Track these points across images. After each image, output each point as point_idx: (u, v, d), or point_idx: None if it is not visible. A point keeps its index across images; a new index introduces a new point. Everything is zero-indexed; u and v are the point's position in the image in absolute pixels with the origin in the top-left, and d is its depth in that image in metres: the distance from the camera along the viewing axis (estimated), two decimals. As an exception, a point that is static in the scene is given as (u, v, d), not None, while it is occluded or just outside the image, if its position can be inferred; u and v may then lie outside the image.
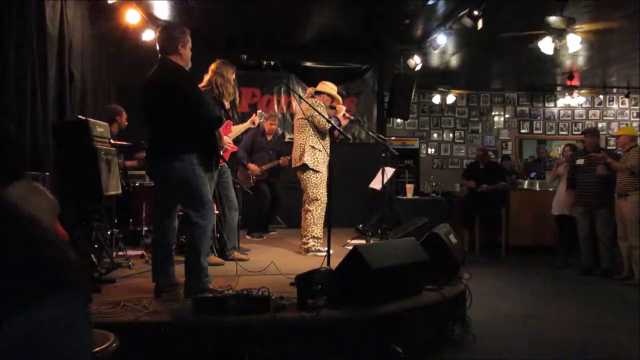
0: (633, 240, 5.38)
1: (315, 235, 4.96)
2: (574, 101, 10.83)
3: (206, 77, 4.14)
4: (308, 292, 3.01)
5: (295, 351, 2.89)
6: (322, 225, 4.96)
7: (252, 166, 6.19)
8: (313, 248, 4.94)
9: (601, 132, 10.81)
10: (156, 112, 3.26)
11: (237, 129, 4.82)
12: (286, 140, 7.60)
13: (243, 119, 5.13)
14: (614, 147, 10.78)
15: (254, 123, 4.93)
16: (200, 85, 3.85)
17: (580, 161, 5.95)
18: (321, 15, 6.41)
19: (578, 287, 5.44)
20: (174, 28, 3.39)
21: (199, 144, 3.26)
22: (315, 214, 4.93)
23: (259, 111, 5.14)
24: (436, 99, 10.68)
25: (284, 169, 6.32)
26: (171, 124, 3.23)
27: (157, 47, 3.35)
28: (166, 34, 3.31)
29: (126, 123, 5.20)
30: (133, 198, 4.94)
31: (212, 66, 4.17)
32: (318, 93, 5.07)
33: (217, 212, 4.49)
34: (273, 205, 6.42)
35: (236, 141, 4.76)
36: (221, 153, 4.36)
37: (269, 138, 6.41)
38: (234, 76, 4.20)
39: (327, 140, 4.95)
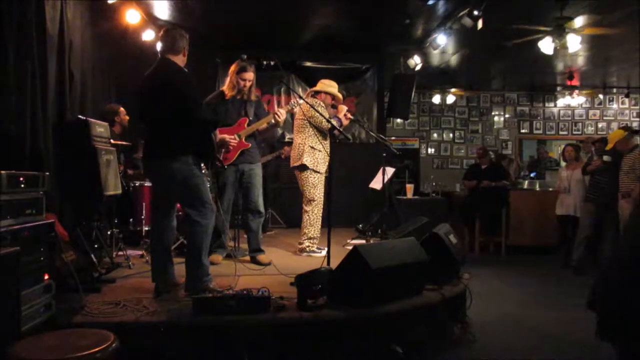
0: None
1: (311, 236, 4.95)
2: (574, 101, 10.83)
3: None
4: (308, 292, 3.01)
5: (295, 351, 2.89)
6: (320, 226, 4.97)
7: None
8: (308, 249, 4.94)
9: (600, 132, 10.84)
10: (155, 111, 3.26)
11: (254, 126, 4.51)
12: (286, 140, 7.62)
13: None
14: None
15: (278, 117, 4.50)
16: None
17: (607, 158, 5.86)
18: (321, 15, 6.40)
19: (578, 287, 5.43)
20: (180, 30, 3.43)
21: (195, 145, 3.27)
22: (312, 214, 4.93)
23: (281, 110, 4.61)
24: (436, 99, 10.68)
25: (284, 158, 6.16)
26: (170, 124, 3.23)
27: (160, 46, 3.39)
28: (173, 34, 3.35)
29: (127, 118, 5.17)
30: (133, 198, 4.94)
31: None
32: (318, 92, 5.06)
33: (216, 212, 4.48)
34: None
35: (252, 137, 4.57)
36: (222, 153, 4.36)
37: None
38: (233, 68, 4.36)
39: (328, 140, 4.93)
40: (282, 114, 4.49)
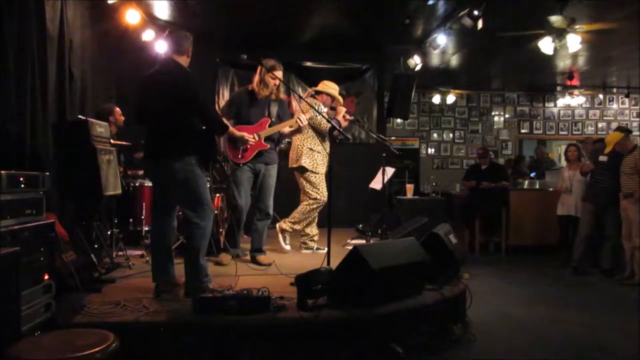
0: (636, 240, 5.37)
1: (295, 222, 5.02)
2: (574, 101, 10.84)
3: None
4: (308, 292, 3.01)
5: (295, 351, 2.89)
6: (309, 221, 5.04)
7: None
8: (284, 233, 5.09)
9: (601, 133, 10.84)
10: (158, 110, 3.25)
11: (275, 128, 4.51)
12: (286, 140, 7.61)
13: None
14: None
15: (300, 122, 4.54)
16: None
17: (603, 158, 5.87)
18: (321, 15, 6.40)
19: (578, 287, 5.44)
20: (185, 31, 3.44)
21: (199, 145, 3.27)
22: (309, 207, 4.96)
23: (303, 116, 4.59)
24: (436, 99, 10.69)
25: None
26: (173, 124, 3.23)
27: (164, 47, 3.40)
28: (179, 35, 3.37)
29: (122, 118, 5.03)
30: (133, 198, 4.94)
31: None
32: (318, 93, 5.05)
33: (216, 212, 4.48)
34: None
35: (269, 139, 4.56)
36: (240, 150, 4.36)
37: None
38: (261, 67, 4.33)
39: (327, 140, 4.93)
40: (304, 119, 4.54)
